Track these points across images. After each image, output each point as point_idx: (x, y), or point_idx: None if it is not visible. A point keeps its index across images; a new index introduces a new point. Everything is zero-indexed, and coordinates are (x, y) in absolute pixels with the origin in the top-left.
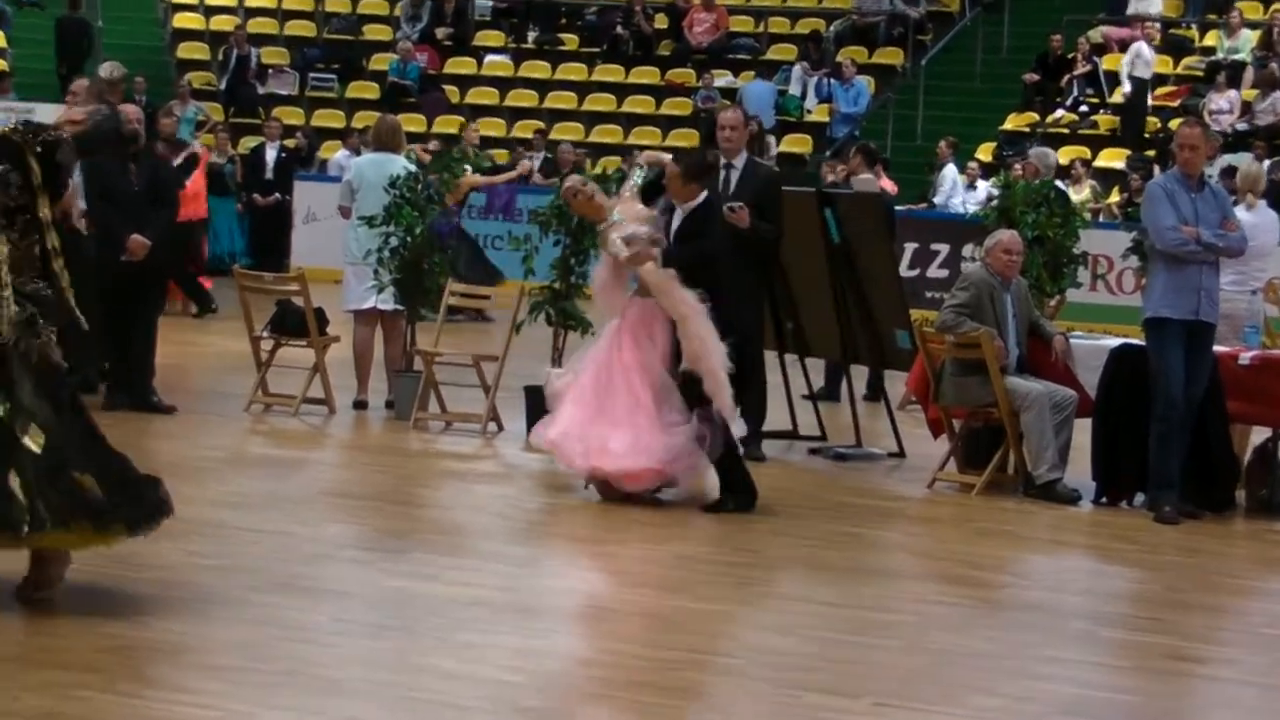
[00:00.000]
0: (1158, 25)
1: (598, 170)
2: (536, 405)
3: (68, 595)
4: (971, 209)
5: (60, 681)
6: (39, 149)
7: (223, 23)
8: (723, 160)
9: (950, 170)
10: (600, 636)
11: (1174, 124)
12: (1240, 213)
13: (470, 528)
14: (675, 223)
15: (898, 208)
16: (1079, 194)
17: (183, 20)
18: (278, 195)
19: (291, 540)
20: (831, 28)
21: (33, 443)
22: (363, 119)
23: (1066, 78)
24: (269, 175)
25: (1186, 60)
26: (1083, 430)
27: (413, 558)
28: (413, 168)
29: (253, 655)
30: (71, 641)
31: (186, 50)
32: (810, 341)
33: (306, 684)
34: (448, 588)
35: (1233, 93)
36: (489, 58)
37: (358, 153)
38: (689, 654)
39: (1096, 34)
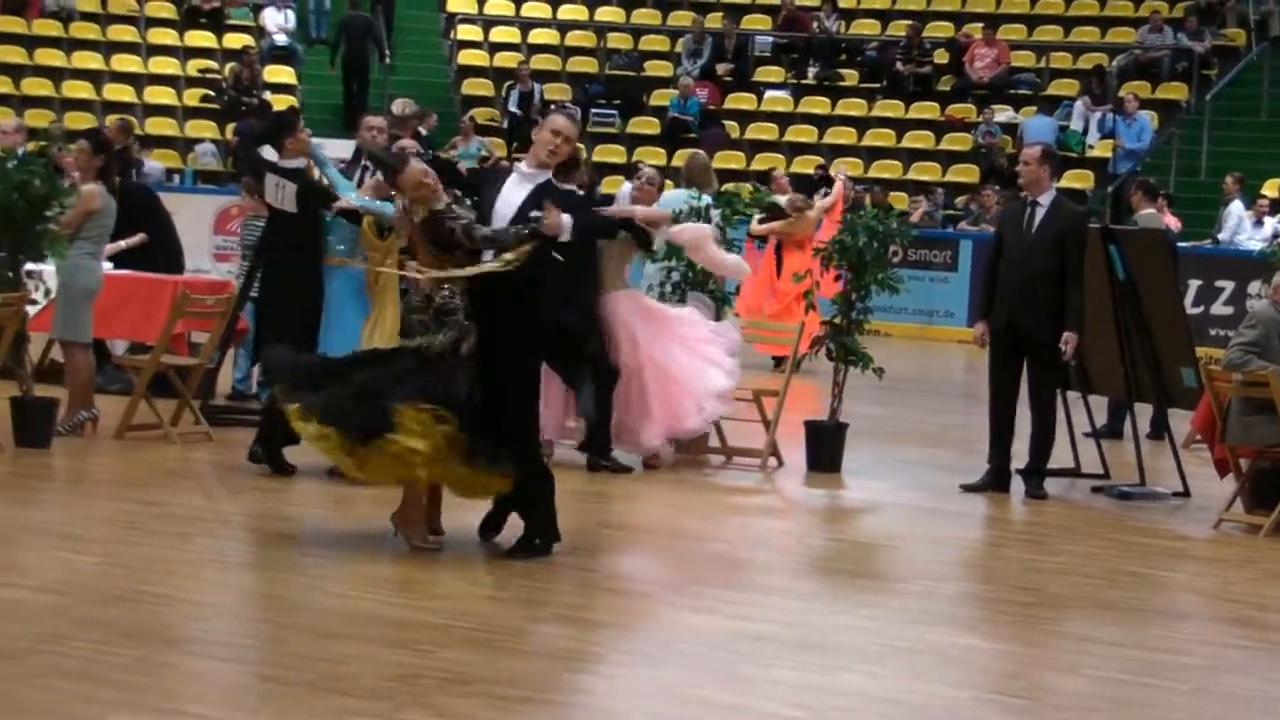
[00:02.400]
0: None
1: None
2: (817, 440)
3: (354, 622)
4: (1258, 245)
5: (346, 709)
6: None
7: (506, 59)
8: (1027, 196)
9: (1236, 206)
10: (885, 674)
11: None
12: None
13: (751, 562)
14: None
15: (1181, 244)
16: None
17: (467, 57)
18: None
19: (570, 572)
20: (1114, 62)
21: None
22: (643, 154)
23: None
24: None
25: None
26: None
27: (692, 591)
28: (697, 203)
29: (534, 685)
30: (357, 668)
31: (471, 87)
32: (1094, 379)
33: (586, 715)
34: (728, 621)
35: None
36: (769, 93)
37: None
38: (974, 693)
39: None
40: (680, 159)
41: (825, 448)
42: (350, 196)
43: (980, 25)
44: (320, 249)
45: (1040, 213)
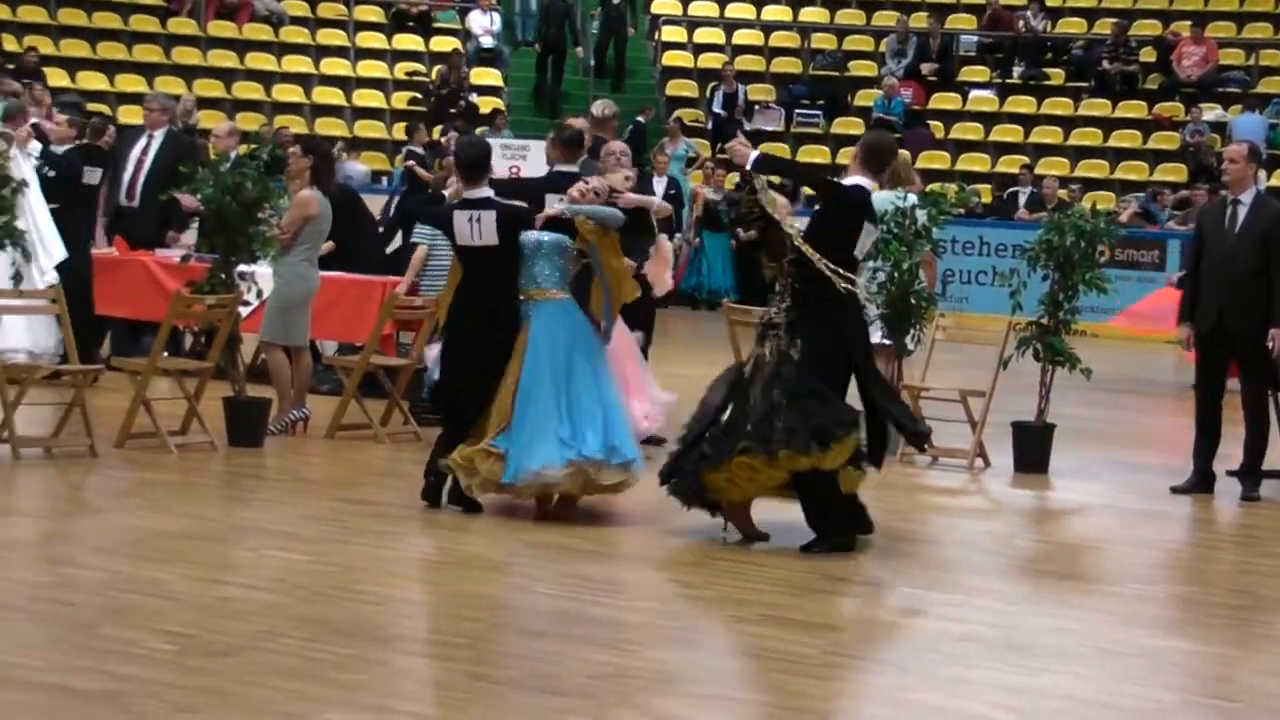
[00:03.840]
0: None
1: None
2: (1025, 441)
3: (561, 621)
4: None
5: (553, 707)
6: None
7: (711, 60)
8: (1229, 195)
9: None
10: (1096, 676)
11: None
12: None
13: (959, 563)
14: None
15: None
16: None
17: (672, 58)
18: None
19: (775, 572)
20: None
21: None
22: (848, 155)
23: None
24: None
25: None
26: None
27: (901, 592)
28: (903, 203)
29: (743, 685)
30: (563, 667)
31: (676, 88)
32: None
33: (795, 716)
34: (937, 622)
35: None
36: (974, 93)
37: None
38: (1185, 696)
39: None
40: None
41: (1032, 448)
42: (557, 205)
43: (1188, 23)
44: (516, 282)
45: (1243, 211)
